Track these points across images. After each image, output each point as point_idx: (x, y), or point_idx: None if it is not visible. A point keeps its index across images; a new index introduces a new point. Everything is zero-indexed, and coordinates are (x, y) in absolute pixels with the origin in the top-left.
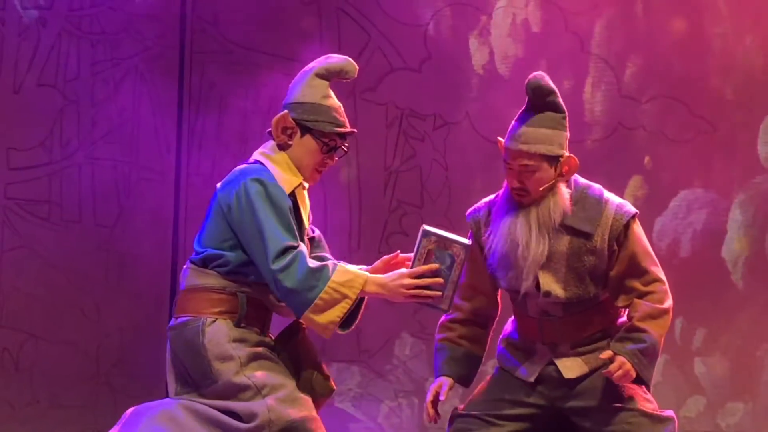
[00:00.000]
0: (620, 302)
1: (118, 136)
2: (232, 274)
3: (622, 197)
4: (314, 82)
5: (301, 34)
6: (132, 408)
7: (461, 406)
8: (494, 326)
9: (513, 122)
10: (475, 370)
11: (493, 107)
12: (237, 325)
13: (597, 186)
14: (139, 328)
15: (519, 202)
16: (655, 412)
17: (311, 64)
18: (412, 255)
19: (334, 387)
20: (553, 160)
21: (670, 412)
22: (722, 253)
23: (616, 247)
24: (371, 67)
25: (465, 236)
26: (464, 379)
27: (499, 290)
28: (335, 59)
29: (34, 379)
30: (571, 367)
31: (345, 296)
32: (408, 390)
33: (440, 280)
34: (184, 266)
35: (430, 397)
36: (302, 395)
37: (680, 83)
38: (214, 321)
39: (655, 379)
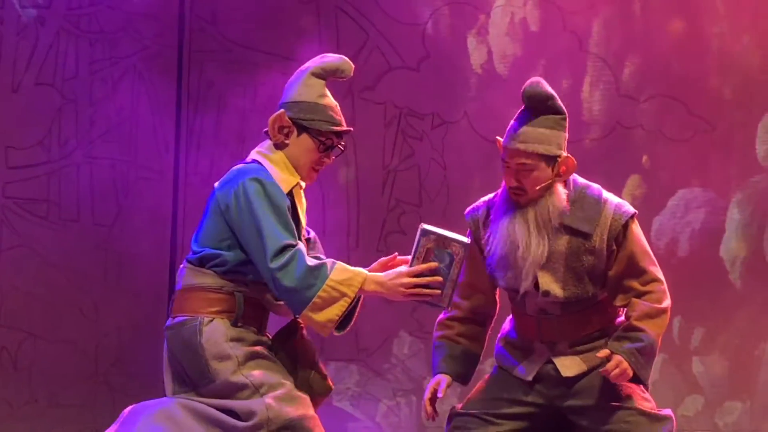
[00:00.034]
0: (618, 302)
1: (117, 135)
2: (230, 274)
3: (620, 196)
4: (310, 81)
5: (299, 33)
6: (130, 407)
7: (459, 405)
8: (492, 324)
9: (512, 121)
10: (473, 368)
11: (492, 106)
12: (234, 324)
13: (596, 186)
14: (138, 327)
15: (516, 201)
16: (653, 411)
17: (307, 64)
18: (410, 257)
19: (332, 386)
20: (551, 160)
21: (668, 411)
22: (720, 252)
23: (614, 247)
24: (369, 66)
25: (463, 235)
26: (462, 377)
27: (498, 289)
28: (331, 58)
29: (33, 378)
30: (569, 365)
31: (343, 294)
32: (406, 389)
33: (439, 278)
34: (181, 266)
35: (428, 395)
36: (300, 394)
37: (678, 82)
38: (212, 320)
39: (653, 378)
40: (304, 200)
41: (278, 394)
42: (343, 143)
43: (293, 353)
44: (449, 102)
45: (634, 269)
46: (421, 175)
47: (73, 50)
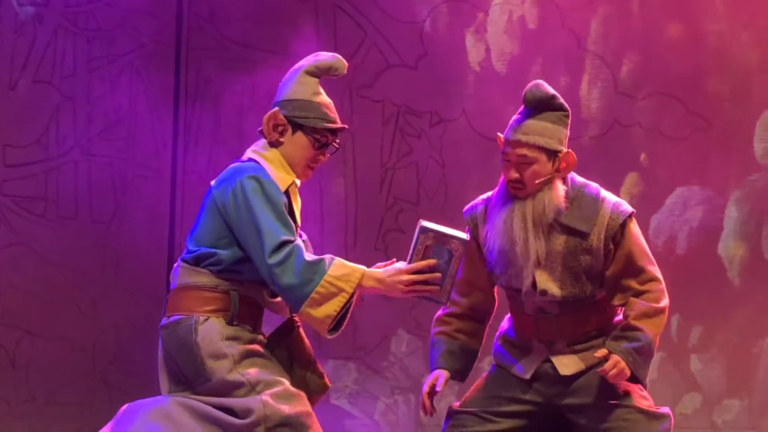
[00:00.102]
0: (616, 301)
1: (115, 133)
2: (225, 273)
3: (618, 194)
4: (304, 79)
5: (297, 30)
6: (126, 404)
7: (457, 403)
8: (491, 322)
9: (515, 116)
10: (471, 365)
11: (490, 104)
12: (230, 323)
13: (594, 185)
14: (136, 325)
15: (514, 195)
16: (651, 409)
17: (301, 62)
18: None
19: (329, 384)
20: (552, 154)
21: (666, 409)
22: (718, 250)
23: (612, 246)
24: (367, 64)
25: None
26: (460, 373)
27: (496, 286)
28: (324, 57)
29: (31, 376)
30: (567, 364)
31: (341, 290)
32: (404, 387)
33: (438, 275)
34: (175, 265)
35: (426, 389)
36: (297, 391)
37: (676, 80)
38: (207, 319)
39: (651, 377)
40: (299, 199)
41: (275, 392)
42: (337, 141)
43: (289, 352)
44: (447, 100)
45: (632, 268)
46: (419, 173)
47: (71, 48)
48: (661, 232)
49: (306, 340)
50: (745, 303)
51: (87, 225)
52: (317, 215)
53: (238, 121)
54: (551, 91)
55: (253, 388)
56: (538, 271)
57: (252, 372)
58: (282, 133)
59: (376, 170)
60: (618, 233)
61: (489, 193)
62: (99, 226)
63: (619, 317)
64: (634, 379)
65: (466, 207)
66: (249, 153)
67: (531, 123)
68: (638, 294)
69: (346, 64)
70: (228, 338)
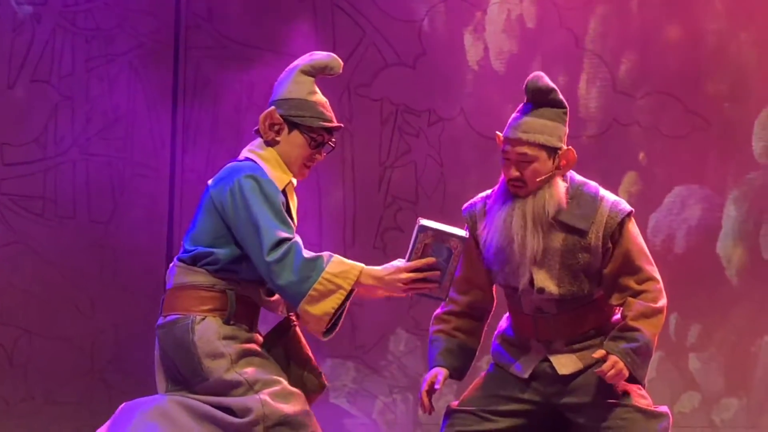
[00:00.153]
0: (614, 300)
1: (113, 132)
2: (222, 272)
3: (616, 193)
4: (300, 78)
5: (295, 29)
6: (124, 403)
7: (456, 402)
8: (489, 321)
9: (514, 114)
10: (470, 363)
11: (488, 103)
12: (226, 322)
13: (593, 183)
14: (134, 324)
15: (515, 194)
16: (650, 408)
17: (296, 62)
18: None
19: (326, 384)
20: (552, 151)
21: (664, 408)
22: (717, 249)
23: (610, 245)
24: (366, 62)
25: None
26: (458, 371)
27: (494, 285)
28: (319, 56)
29: (29, 375)
30: (565, 363)
31: (339, 287)
32: (402, 386)
33: (437, 273)
34: (171, 264)
35: (425, 387)
36: (295, 390)
37: (675, 79)
38: (204, 319)
39: (649, 375)
40: (295, 198)
41: (273, 391)
42: (333, 140)
43: (286, 351)
44: (445, 99)
45: (630, 267)
46: (418, 172)
47: (69, 47)
48: (660, 231)
49: (303, 339)
50: (744, 302)
51: (85, 224)
52: (316, 214)
53: (236, 120)
54: (551, 84)
55: (251, 387)
56: (535, 269)
57: (249, 371)
58: (278, 133)
59: (375, 169)
60: (616, 232)
61: (488, 192)
62: (97, 226)
63: (617, 317)
64: (633, 379)
65: (465, 205)
66: (245, 152)
67: (530, 120)
68: (636, 293)
69: (342, 63)
70: (225, 337)
